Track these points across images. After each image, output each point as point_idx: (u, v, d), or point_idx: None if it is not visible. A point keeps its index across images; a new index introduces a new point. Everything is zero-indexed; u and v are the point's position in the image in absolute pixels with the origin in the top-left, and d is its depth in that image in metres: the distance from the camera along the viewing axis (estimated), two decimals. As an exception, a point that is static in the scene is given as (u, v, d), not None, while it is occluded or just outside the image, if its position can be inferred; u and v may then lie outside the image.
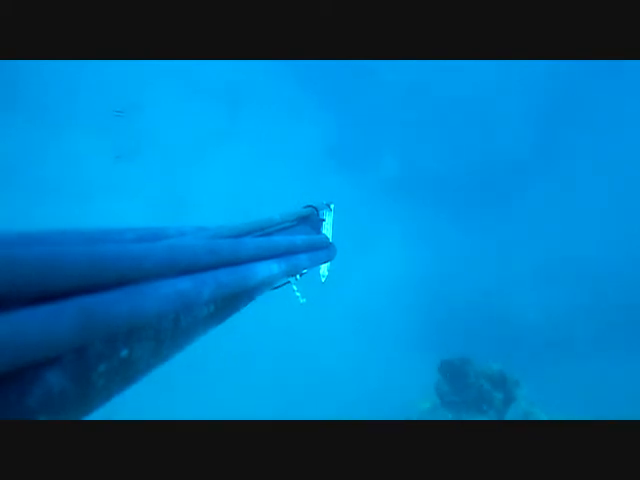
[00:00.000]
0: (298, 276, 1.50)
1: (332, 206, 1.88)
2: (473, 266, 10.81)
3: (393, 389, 9.55)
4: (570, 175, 10.78)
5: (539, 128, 11.07)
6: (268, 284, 1.12)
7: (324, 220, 1.81)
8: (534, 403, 9.28)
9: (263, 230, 1.18)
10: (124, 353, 0.58)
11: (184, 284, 0.65)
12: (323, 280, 2.02)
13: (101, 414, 0.58)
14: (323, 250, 1.53)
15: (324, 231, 1.80)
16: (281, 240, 1.13)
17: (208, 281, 0.72)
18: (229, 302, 0.89)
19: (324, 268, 2.01)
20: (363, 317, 10.72)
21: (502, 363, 9.72)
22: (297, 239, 1.26)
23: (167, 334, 0.68)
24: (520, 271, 10.52)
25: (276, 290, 1.41)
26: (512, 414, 8.79)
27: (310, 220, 1.71)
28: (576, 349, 9.67)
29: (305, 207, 1.72)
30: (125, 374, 0.59)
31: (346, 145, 11.56)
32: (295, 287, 1.51)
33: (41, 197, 9.53)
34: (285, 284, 1.44)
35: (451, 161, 11.16)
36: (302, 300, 1.57)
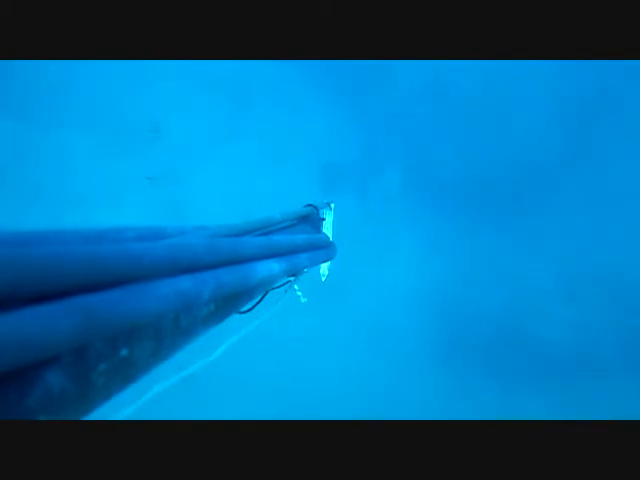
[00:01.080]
0: (300, 276, 1.50)
1: (332, 205, 1.88)
2: (491, 278, 10.26)
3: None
4: (602, 181, 9.95)
5: (567, 128, 10.06)
6: (268, 283, 1.12)
7: (324, 219, 1.81)
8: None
9: (263, 229, 1.18)
10: (124, 352, 0.58)
11: (184, 283, 0.65)
12: (323, 279, 2.02)
13: (101, 414, 0.57)
14: (323, 249, 1.53)
15: (324, 230, 1.80)
16: (281, 239, 1.13)
17: (208, 280, 0.71)
18: (229, 301, 0.89)
19: (324, 267, 2.01)
20: (373, 331, 10.00)
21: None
22: (297, 238, 1.26)
23: (167, 333, 0.68)
24: (544, 284, 9.94)
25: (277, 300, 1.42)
26: None
27: (310, 219, 1.71)
28: (604, 371, 9.18)
29: (305, 206, 1.72)
30: (125, 373, 0.59)
31: (355, 148, 11.06)
32: (296, 287, 1.51)
33: (29, 203, 9.24)
34: (286, 284, 1.44)
35: (468, 165, 10.38)
36: (303, 300, 1.57)
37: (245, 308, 1.12)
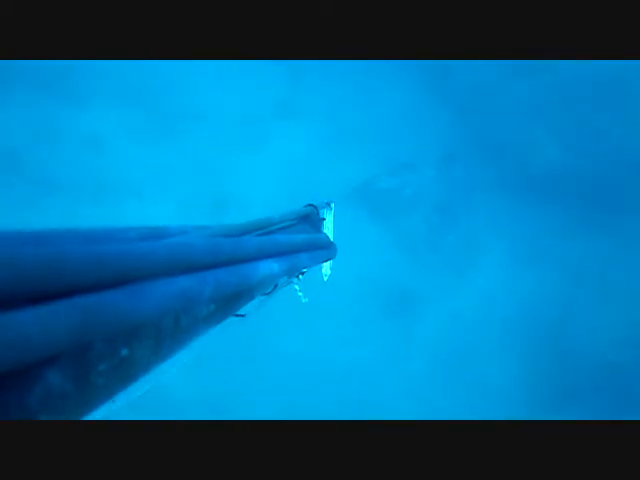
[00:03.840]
0: (300, 276, 1.50)
1: (332, 205, 1.89)
2: (601, 297, 7.74)
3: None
4: None
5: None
6: (269, 283, 1.12)
7: (324, 219, 1.81)
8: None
9: (263, 229, 1.18)
10: (124, 352, 0.58)
11: (185, 283, 0.65)
12: (325, 279, 2.02)
13: (101, 414, 0.57)
14: (324, 249, 1.54)
15: (324, 230, 1.81)
16: (281, 239, 1.13)
17: (209, 280, 0.72)
18: (230, 301, 0.89)
19: (326, 267, 2.01)
20: (449, 362, 8.07)
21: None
22: (297, 238, 1.27)
23: (168, 333, 0.68)
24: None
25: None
26: None
27: (310, 219, 1.72)
28: None
29: (305, 206, 1.72)
30: (125, 373, 0.59)
31: (436, 136, 8.67)
32: (297, 287, 1.51)
33: (49, 192, 8.29)
34: (287, 284, 1.44)
35: (582, 158, 8.09)
36: (304, 300, 1.57)
37: (245, 312, 1.12)
